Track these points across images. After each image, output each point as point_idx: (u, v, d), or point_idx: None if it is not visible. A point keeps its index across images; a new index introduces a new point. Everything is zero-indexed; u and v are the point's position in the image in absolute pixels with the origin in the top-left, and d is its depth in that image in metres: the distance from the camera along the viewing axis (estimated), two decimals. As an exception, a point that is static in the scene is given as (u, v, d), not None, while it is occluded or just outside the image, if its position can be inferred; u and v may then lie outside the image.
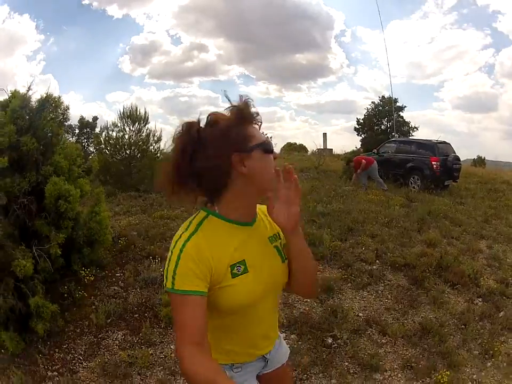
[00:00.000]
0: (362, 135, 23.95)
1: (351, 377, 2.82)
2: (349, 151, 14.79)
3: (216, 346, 1.12)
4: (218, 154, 1.02)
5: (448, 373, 2.78)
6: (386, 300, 3.85)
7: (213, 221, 1.07)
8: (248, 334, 1.17)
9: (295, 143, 26.22)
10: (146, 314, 3.39)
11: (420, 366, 2.93)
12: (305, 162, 14.49)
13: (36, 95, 3.46)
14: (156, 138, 8.61)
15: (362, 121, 24.00)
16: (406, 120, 23.17)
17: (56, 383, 2.65)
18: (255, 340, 1.21)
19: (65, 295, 3.37)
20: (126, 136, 8.47)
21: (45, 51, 44.77)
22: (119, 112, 8.52)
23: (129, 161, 8.39)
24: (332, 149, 20.15)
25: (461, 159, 11.49)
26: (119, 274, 3.91)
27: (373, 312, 3.63)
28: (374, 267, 4.42)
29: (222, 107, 1.09)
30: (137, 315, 3.39)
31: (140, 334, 3.15)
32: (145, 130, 8.60)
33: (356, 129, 24.19)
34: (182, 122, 1.06)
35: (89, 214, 3.69)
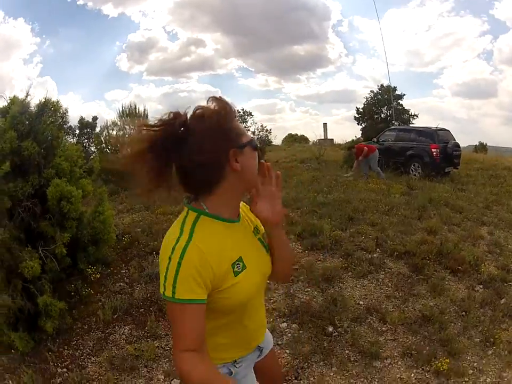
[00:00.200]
0: (362, 124, 23.91)
1: (352, 365, 2.85)
2: (349, 140, 14.81)
3: (215, 346, 1.14)
4: (215, 149, 0.99)
5: (448, 361, 2.76)
6: (387, 288, 3.87)
7: (206, 222, 1.05)
8: (247, 328, 1.19)
9: (296, 134, 26.22)
10: (151, 309, 3.46)
11: (420, 353, 2.91)
12: (306, 153, 14.49)
13: (34, 100, 3.50)
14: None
15: (362, 110, 23.93)
16: (406, 108, 23.09)
17: (65, 379, 2.72)
18: (253, 332, 1.23)
19: (73, 293, 3.44)
20: (126, 135, 8.50)
21: (42, 53, 44.88)
22: (118, 111, 8.58)
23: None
24: (332, 139, 20.21)
25: (463, 146, 11.47)
26: (124, 271, 3.98)
27: (373, 300, 3.65)
28: (375, 255, 4.44)
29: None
30: (142, 309, 3.46)
31: (146, 328, 3.22)
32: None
33: (355, 118, 24.17)
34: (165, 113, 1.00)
35: (93, 214, 3.75)
